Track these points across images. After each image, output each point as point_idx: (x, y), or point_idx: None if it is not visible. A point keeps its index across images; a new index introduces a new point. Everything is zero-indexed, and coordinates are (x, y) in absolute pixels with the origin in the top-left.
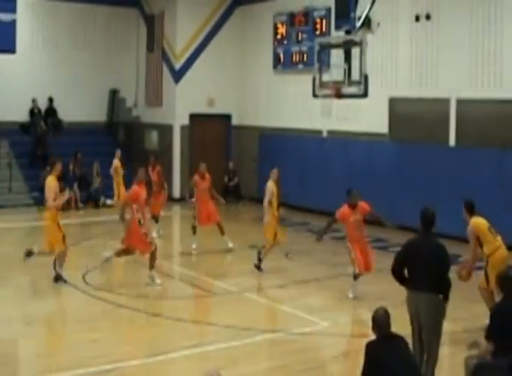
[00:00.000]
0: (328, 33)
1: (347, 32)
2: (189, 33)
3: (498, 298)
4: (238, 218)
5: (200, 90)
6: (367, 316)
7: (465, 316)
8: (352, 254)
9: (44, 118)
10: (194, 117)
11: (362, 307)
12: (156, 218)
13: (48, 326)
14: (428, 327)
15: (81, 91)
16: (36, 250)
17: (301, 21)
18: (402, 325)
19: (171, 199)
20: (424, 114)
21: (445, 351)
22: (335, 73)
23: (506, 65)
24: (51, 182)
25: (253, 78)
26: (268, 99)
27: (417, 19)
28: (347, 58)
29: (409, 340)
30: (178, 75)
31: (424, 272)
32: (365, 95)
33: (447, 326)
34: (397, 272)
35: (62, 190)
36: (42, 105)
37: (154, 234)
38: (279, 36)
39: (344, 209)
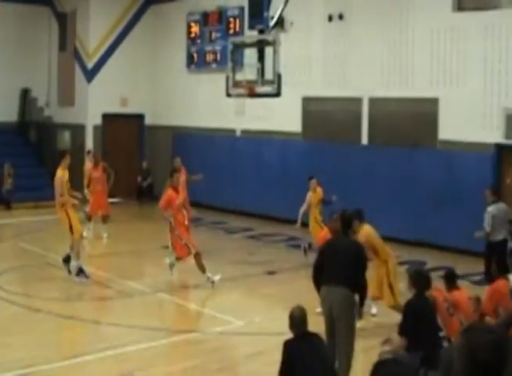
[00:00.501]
0: (241, 32)
1: (261, 31)
2: (102, 32)
3: (410, 294)
4: (152, 218)
5: (113, 89)
6: (282, 315)
7: (377, 311)
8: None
9: None
10: (107, 117)
11: (277, 306)
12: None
13: None
14: (342, 321)
15: None
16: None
17: (214, 20)
18: (317, 323)
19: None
20: (337, 113)
21: (358, 346)
22: (248, 72)
23: (417, 64)
24: (56, 174)
25: (166, 78)
26: (182, 99)
27: (330, 19)
28: (261, 57)
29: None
30: (90, 74)
31: (339, 267)
32: (278, 94)
33: (360, 321)
34: (316, 280)
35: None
36: None
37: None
38: (192, 35)
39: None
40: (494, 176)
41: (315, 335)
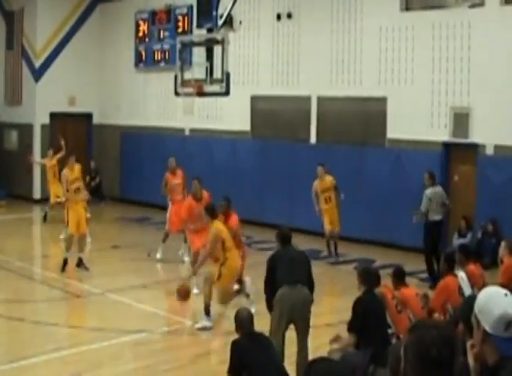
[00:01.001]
0: (190, 31)
1: (209, 30)
2: (50, 30)
3: (359, 291)
4: (100, 218)
5: (61, 88)
6: (230, 313)
7: (326, 310)
8: None
9: None
10: (55, 116)
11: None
12: None
13: None
14: (304, 321)
15: None
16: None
17: (162, 19)
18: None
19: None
20: (286, 112)
21: (308, 345)
22: (197, 71)
23: (366, 64)
24: (62, 172)
25: (114, 76)
26: (130, 98)
27: (279, 17)
28: (209, 56)
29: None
30: (38, 73)
31: (296, 269)
32: (227, 93)
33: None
34: (268, 291)
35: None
36: None
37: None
38: (140, 34)
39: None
40: (442, 174)
41: (261, 335)
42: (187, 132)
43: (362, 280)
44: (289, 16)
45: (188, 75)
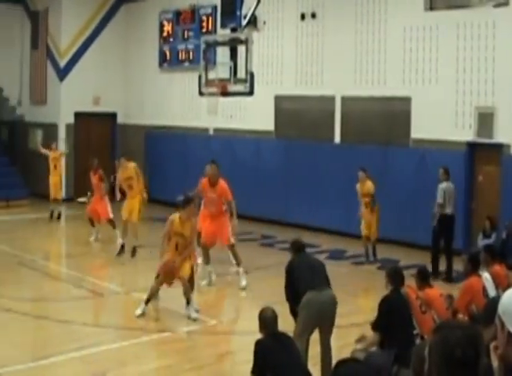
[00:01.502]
0: (214, 31)
1: (233, 30)
2: (74, 30)
3: (387, 290)
4: None
5: (86, 88)
6: (253, 314)
7: (350, 310)
8: None
9: None
10: (79, 116)
11: (248, 305)
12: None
13: None
14: (331, 322)
15: None
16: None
17: (187, 19)
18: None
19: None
20: (310, 112)
21: (333, 345)
22: (221, 71)
23: (390, 63)
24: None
25: (139, 76)
26: (154, 98)
27: (303, 17)
28: (233, 56)
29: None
30: (62, 73)
31: (318, 273)
32: (251, 93)
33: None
34: (290, 298)
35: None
36: None
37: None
38: (165, 34)
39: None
40: (466, 174)
41: (284, 335)
42: (211, 132)
43: (389, 280)
44: (313, 15)
45: (212, 75)
